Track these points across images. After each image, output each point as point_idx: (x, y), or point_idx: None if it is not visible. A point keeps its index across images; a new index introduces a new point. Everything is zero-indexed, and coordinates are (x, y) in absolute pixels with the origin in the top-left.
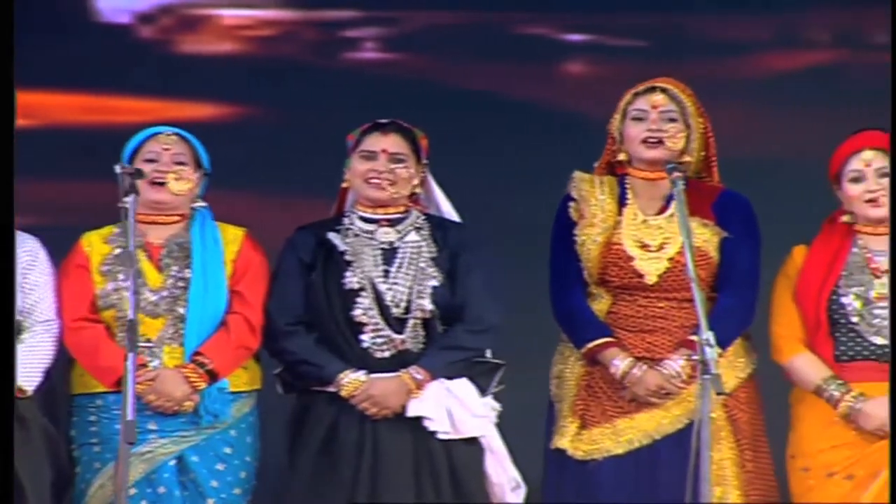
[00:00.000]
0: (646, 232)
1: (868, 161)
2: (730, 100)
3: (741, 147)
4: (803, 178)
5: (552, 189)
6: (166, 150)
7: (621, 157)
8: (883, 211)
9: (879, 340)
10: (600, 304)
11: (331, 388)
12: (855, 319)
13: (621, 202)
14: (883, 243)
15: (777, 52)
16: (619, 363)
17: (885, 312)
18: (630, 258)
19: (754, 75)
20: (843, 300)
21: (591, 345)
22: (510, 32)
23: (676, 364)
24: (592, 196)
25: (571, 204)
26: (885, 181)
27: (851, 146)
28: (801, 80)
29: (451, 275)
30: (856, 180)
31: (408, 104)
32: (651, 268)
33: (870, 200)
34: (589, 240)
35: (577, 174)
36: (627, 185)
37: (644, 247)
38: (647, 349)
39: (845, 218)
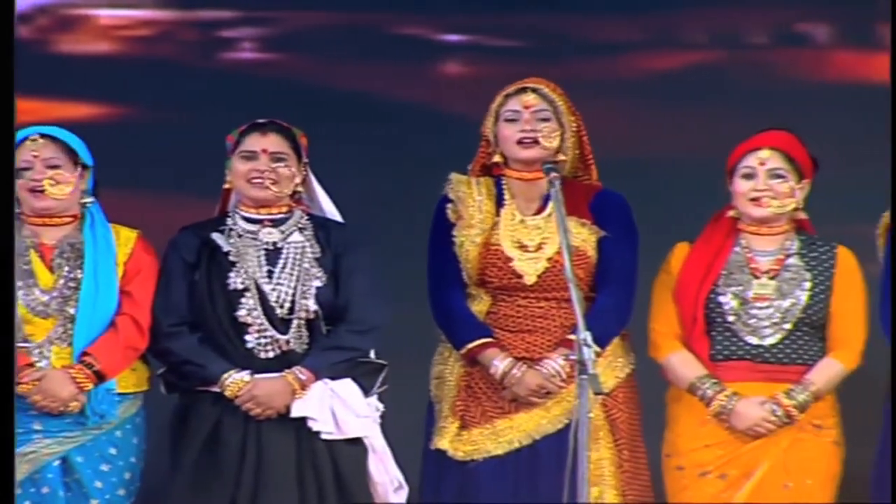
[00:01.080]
0: (524, 232)
1: (763, 160)
2: (608, 100)
3: (620, 147)
4: (682, 176)
5: (431, 190)
6: (35, 156)
7: (496, 158)
8: (765, 211)
9: (755, 340)
10: (480, 305)
11: (215, 389)
12: (731, 319)
13: (499, 203)
14: (765, 243)
15: (654, 53)
16: (499, 364)
17: (762, 312)
18: (509, 259)
19: (632, 75)
20: (721, 299)
21: (470, 346)
22: (388, 33)
23: (556, 364)
24: (470, 197)
25: (449, 205)
26: (775, 182)
27: (752, 144)
28: (679, 80)
29: (334, 275)
30: (747, 177)
31: (286, 105)
32: (530, 268)
33: (754, 199)
34: (467, 241)
35: (454, 176)
36: (505, 186)
37: (522, 247)
38: (527, 349)
39: (732, 213)
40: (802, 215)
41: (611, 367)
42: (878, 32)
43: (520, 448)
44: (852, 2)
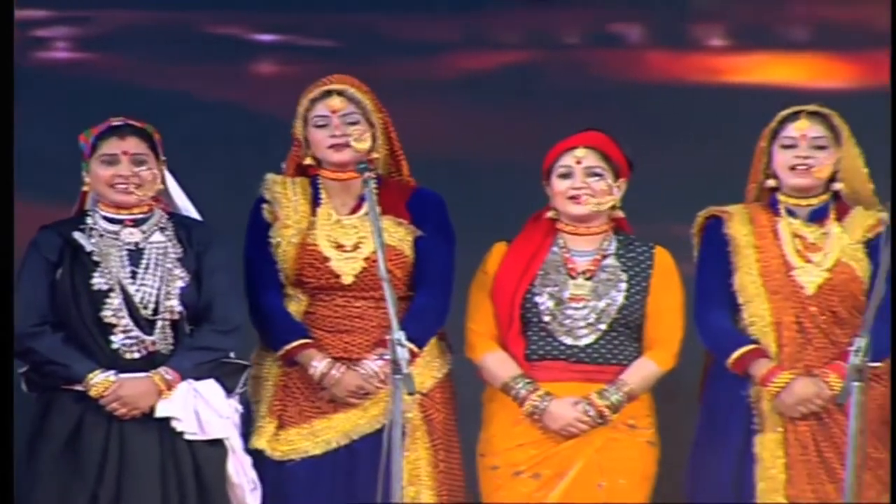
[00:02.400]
0: (340, 232)
1: (579, 158)
2: (423, 100)
3: (436, 147)
4: (497, 176)
5: (250, 190)
6: None
7: (308, 160)
8: (583, 209)
9: (570, 341)
10: (297, 306)
11: (79, 388)
12: (547, 319)
13: (315, 203)
14: (583, 244)
15: (469, 52)
16: (318, 365)
17: (578, 313)
18: (326, 259)
19: (446, 75)
20: (537, 299)
21: (288, 346)
22: (202, 32)
23: (374, 364)
24: (285, 197)
25: (265, 206)
26: (592, 180)
27: (568, 143)
28: (493, 80)
29: (197, 275)
30: (564, 176)
31: (102, 104)
32: (347, 268)
33: (572, 197)
34: (284, 241)
35: (270, 176)
36: (320, 186)
37: (339, 247)
38: (345, 349)
39: (551, 213)
40: (620, 214)
41: (428, 367)
42: (688, 33)
43: (337, 448)
44: (664, 3)
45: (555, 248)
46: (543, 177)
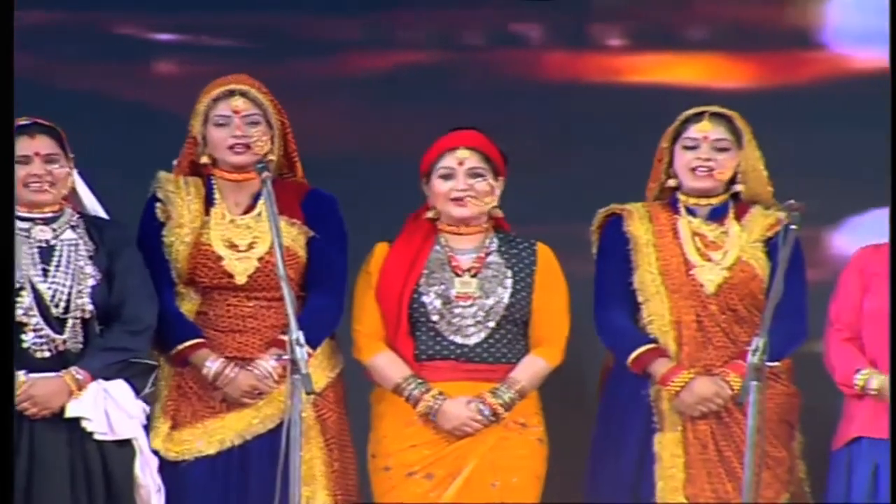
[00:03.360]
0: (234, 232)
1: (461, 159)
2: (328, 99)
3: (339, 146)
4: (401, 176)
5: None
6: None
7: (204, 159)
8: (467, 211)
9: (459, 339)
10: (190, 305)
11: None
12: (435, 318)
13: (208, 202)
14: (465, 242)
15: (373, 52)
16: (212, 364)
17: (466, 311)
18: (219, 258)
19: (351, 75)
20: (424, 299)
21: (181, 347)
22: (106, 32)
23: (268, 364)
24: (178, 196)
25: (158, 205)
26: (474, 181)
27: (447, 143)
28: (397, 80)
29: (108, 274)
30: (445, 177)
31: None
32: (240, 268)
33: (456, 199)
34: (178, 240)
35: (162, 175)
36: (214, 186)
37: (233, 247)
38: (239, 349)
39: (430, 213)
40: (499, 213)
41: (321, 367)
42: (589, 33)
43: (231, 448)
44: (565, 3)
45: (437, 248)
46: (422, 176)
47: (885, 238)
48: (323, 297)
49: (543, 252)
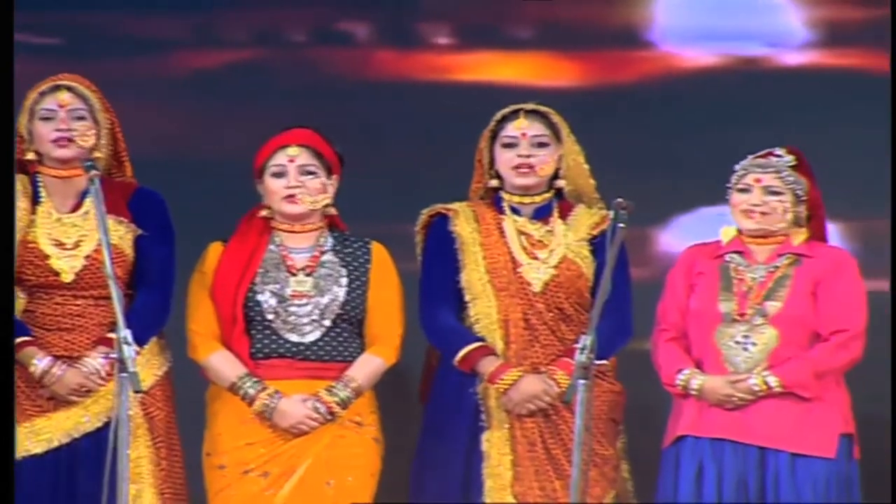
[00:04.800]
0: (61, 230)
1: (292, 157)
2: (153, 99)
3: (165, 145)
4: (225, 175)
5: None
6: None
7: (30, 156)
8: (299, 208)
9: (295, 338)
10: (16, 303)
11: None
12: (270, 317)
13: (35, 200)
14: (299, 241)
15: (197, 51)
16: (39, 362)
17: (301, 310)
18: (46, 256)
19: (175, 74)
20: (259, 298)
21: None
22: None
23: (95, 362)
24: None
25: None
26: (306, 179)
27: (280, 141)
28: (222, 79)
29: None
30: (277, 175)
31: None
32: (67, 265)
33: (288, 196)
34: None
35: None
36: (40, 184)
37: (59, 245)
38: (66, 347)
39: (264, 212)
40: (333, 211)
41: (149, 365)
42: (415, 31)
43: (59, 446)
44: (391, 1)
45: (272, 247)
46: (255, 175)
47: (715, 236)
48: (150, 296)
49: (378, 251)
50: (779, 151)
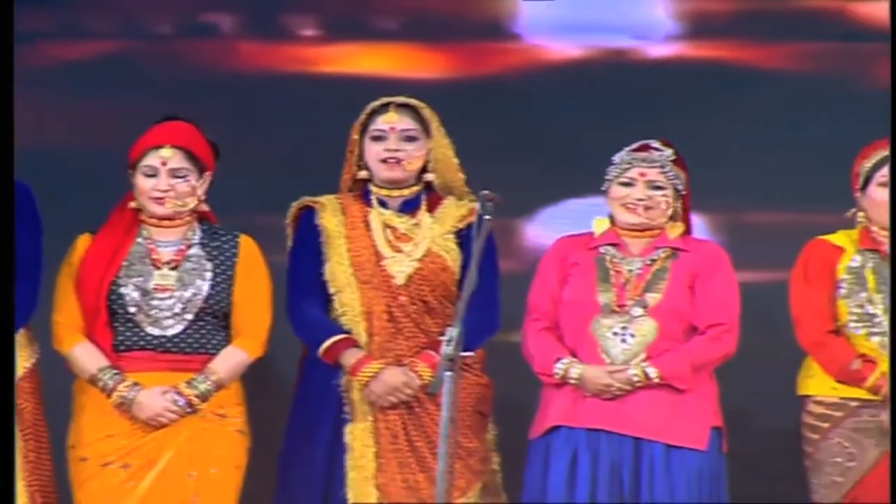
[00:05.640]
0: None
1: (165, 159)
2: (17, 90)
3: (31, 137)
4: (90, 168)
5: None
6: None
7: None
8: (166, 210)
9: (156, 331)
10: None
11: None
12: (133, 310)
13: None
14: (167, 234)
15: (61, 42)
16: None
17: (164, 303)
18: None
19: (42, 64)
20: (123, 290)
21: None
22: None
23: None
24: None
25: None
26: (176, 182)
27: (153, 140)
28: (89, 70)
29: None
30: (148, 176)
31: None
32: None
33: (156, 198)
34: None
35: None
36: None
37: None
38: None
39: (133, 204)
40: (204, 207)
41: (17, 358)
42: (280, 23)
43: None
44: None
45: (139, 239)
46: (129, 168)
47: (581, 228)
48: (17, 288)
49: (246, 243)
50: (656, 144)
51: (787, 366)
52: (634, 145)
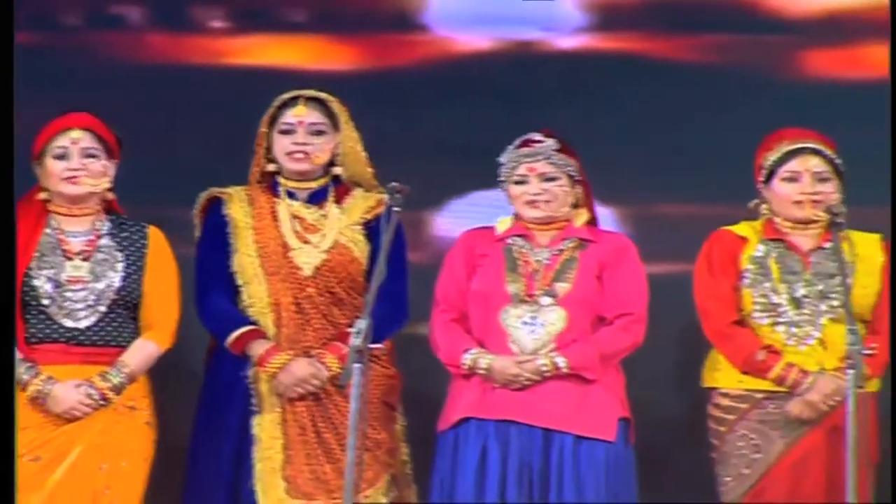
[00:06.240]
0: None
1: (76, 139)
2: None
3: None
4: None
5: None
6: None
7: None
8: (79, 189)
9: (69, 323)
10: None
11: None
12: (46, 302)
13: None
14: (75, 224)
15: None
16: None
17: (77, 295)
18: None
19: None
20: (35, 282)
21: None
22: None
23: None
24: None
25: None
26: (88, 161)
27: (61, 124)
28: None
29: None
30: (59, 157)
31: None
32: None
33: (69, 178)
34: None
35: None
36: None
37: None
38: None
39: (42, 195)
40: (111, 196)
41: None
42: (189, 15)
43: None
44: None
45: (48, 230)
46: (34, 157)
47: (492, 220)
48: None
49: (154, 235)
50: (538, 137)
51: (694, 357)
52: (516, 142)
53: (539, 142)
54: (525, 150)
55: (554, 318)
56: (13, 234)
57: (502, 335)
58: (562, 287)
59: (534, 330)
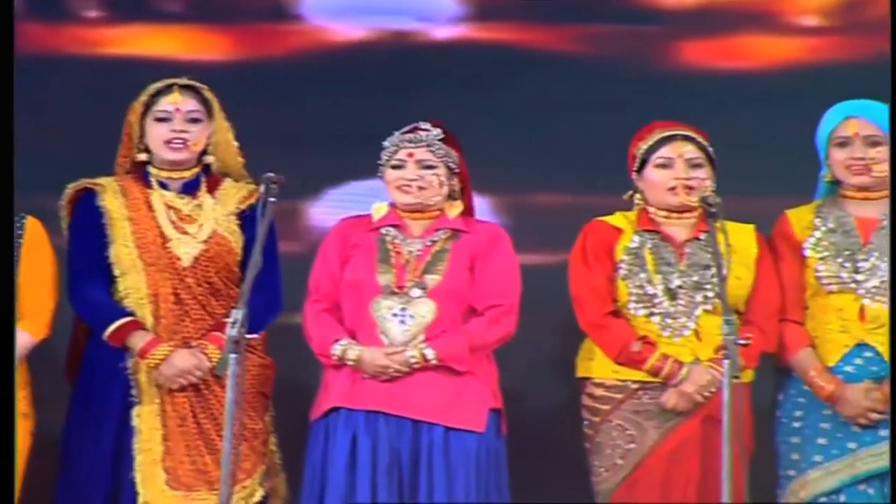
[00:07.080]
0: None
1: None
2: None
3: None
4: None
5: None
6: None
7: None
8: None
9: None
10: None
11: None
12: None
13: None
14: None
15: None
16: None
17: None
18: None
19: None
20: None
21: None
22: None
23: None
24: None
25: None
26: None
27: None
28: None
29: None
30: None
31: None
32: None
33: None
34: None
35: None
36: None
37: None
38: None
39: None
40: None
41: None
42: (64, 4)
43: None
44: None
45: None
46: None
47: (367, 210)
48: None
49: (32, 225)
50: (426, 126)
51: (570, 347)
52: (405, 129)
53: (425, 130)
54: (409, 135)
55: (424, 311)
56: (13, 237)
57: (373, 326)
58: (432, 279)
59: (404, 321)
